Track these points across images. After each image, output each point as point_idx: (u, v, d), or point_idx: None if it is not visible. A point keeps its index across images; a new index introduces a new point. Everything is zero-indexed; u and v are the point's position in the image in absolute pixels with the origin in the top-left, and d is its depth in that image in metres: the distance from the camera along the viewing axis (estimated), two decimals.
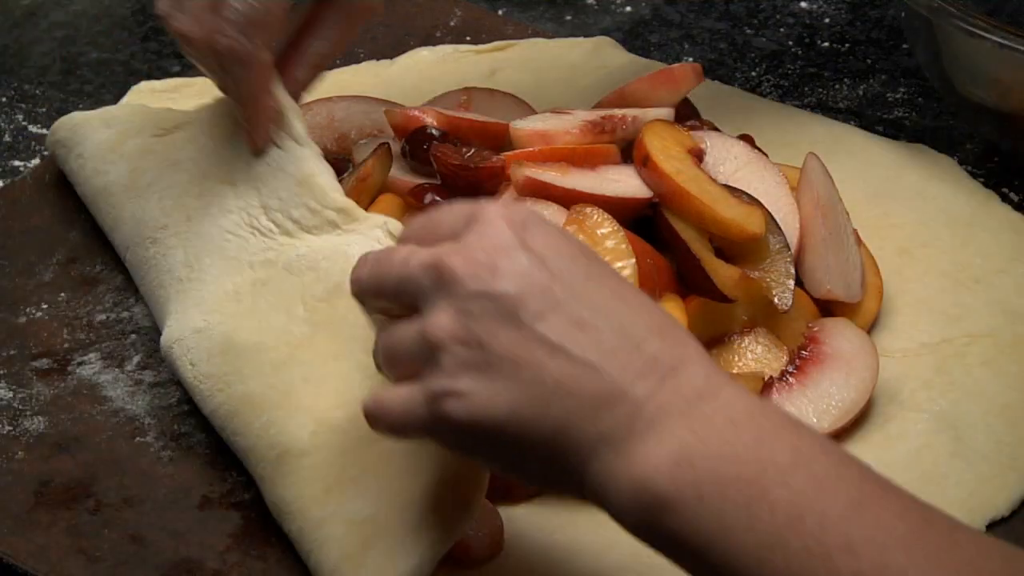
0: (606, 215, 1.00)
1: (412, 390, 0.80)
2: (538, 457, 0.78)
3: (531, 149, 1.08)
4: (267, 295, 1.00)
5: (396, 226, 0.98)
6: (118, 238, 1.10)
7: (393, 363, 0.82)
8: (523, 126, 1.10)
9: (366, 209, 1.04)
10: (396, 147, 1.12)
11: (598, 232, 1.00)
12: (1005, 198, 1.21)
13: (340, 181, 1.04)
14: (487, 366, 0.77)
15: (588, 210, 1.00)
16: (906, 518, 0.73)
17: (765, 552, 0.72)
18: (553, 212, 1.01)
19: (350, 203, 1.01)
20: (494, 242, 0.79)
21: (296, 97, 1.03)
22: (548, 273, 0.78)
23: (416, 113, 1.12)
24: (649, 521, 0.75)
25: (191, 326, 1.01)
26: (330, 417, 0.94)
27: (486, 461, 0.83)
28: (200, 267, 1.03)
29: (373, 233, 0.98)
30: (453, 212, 0.82)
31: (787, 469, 0.74)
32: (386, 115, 1.13)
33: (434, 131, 1.10)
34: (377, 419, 0.83)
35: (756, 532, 0.73)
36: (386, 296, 0.82)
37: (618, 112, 1.10)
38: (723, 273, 1.02)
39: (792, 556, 0.72)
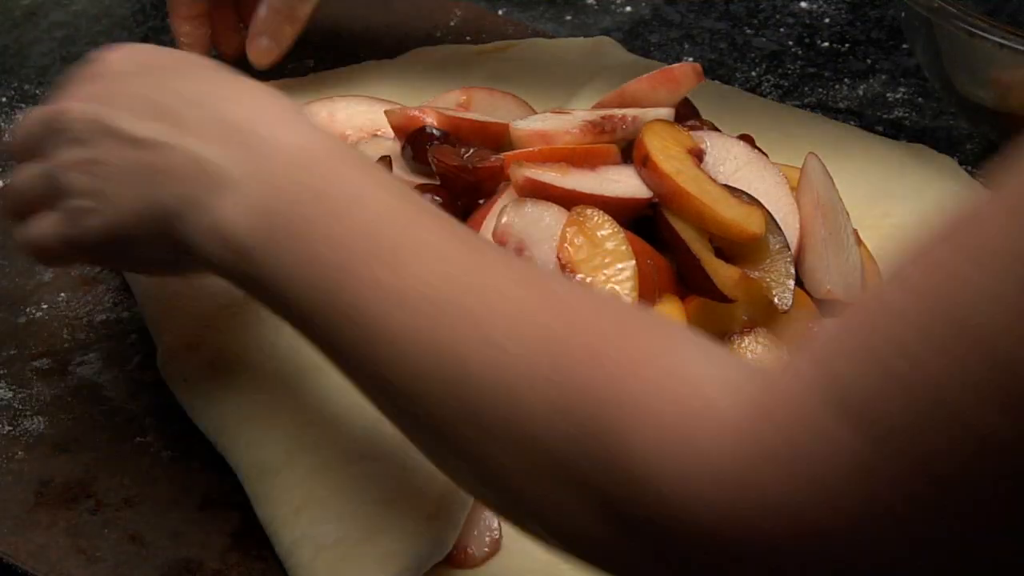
0: (606, 216, 1.00)
1: (49, 226, 0.89)
2: (158, 243, 0.85)
3: (531, 149, 1.08)
4: (258, 308, 1.00)
5: None
6: None
7: (20, 203, 0.92)
8: (523, 126, 1.10)
9: None
10: (396, 147, 1.12)
11: (598, 234, 1.00)
12: None
13: None
14: (104, 178, 0.85)
15: (589, 211, 1.00)
16: (444, 231, 0.77)
17: (322, 282, 0.77)
18: (554, 213, 1.01)
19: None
20: (101, 73, 0.89)
21: (267, 33, 1.18)
22: (147, 82, 0.87)
23: (416, 113, 1.12)
24: (234, 269, 0.81)
25: (185, 342, 1.01)
26: (303, 434, 0.94)
27: (127, 265, 0.94)
28: (199, 284, 1.03)
29: None
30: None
31: (348, 203, 0.78)
32: (386, 115, 1.13)
33: (435, 131, 1.10)
34: (34, 251, 0.93)
35: (315, 266, 0.77)
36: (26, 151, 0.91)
37: (618, 112, 1.10)
38: (723, 273, 1.02)
39: (343, 281, 0.76)
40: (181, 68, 0.89)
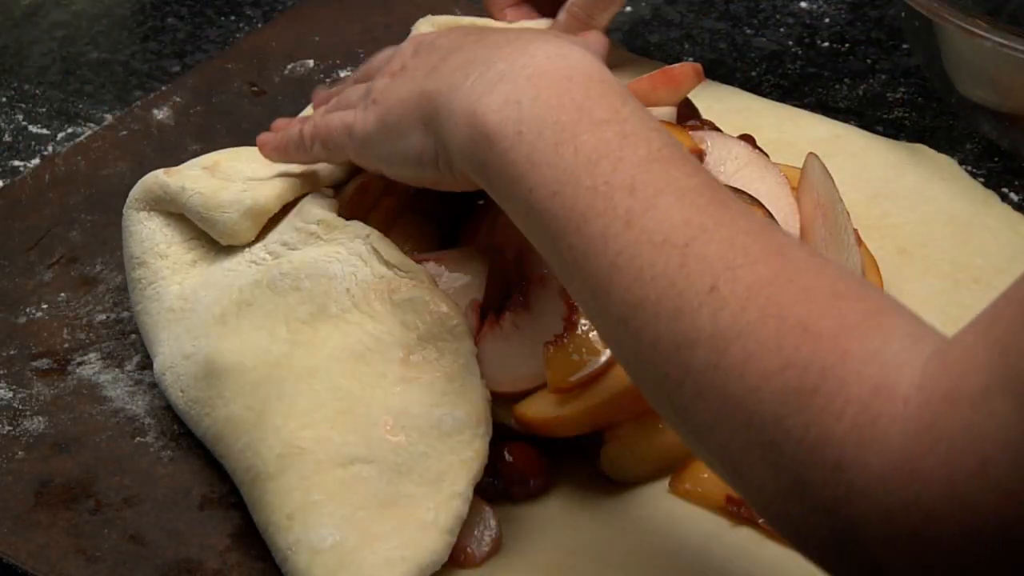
0: None
1: (346, 113, 0.98)
2: (417, 129, 0.91)
3: None
4: (251, 316, 1.00)
5: (378, 239, 0.98)
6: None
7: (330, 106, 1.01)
8: None
9: (367, 213, 1.05)
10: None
11: None
12: (1005, 198, 1.21)
13: (339, 191, 1.05)
14: (404, 71, 0.94)
15: None
16: (693, 177, 0.79)
17: (559, 186, 0.80)
18: None
19: (329, 214, 1.01)
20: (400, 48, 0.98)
21: None
22: (452, 37, 0.95)
23: None
24: (475, 153, 0.85)
25: (181, 353, 1.02)
26: (297, 438, 0.94)
27: (380, 160, 0.97)
28: (195, 298, 1.03)
29: (354, 244, 0.98)
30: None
31: (601, 122, 0.81)
32: None
33: None
34: (315, 133, 1.00)
35: (556, 168, 0.80)
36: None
37: None
38: None
39: (581, 191, 0.79)
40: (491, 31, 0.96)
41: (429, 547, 0.89)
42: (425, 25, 1.18)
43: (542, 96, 0.83)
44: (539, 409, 0.95)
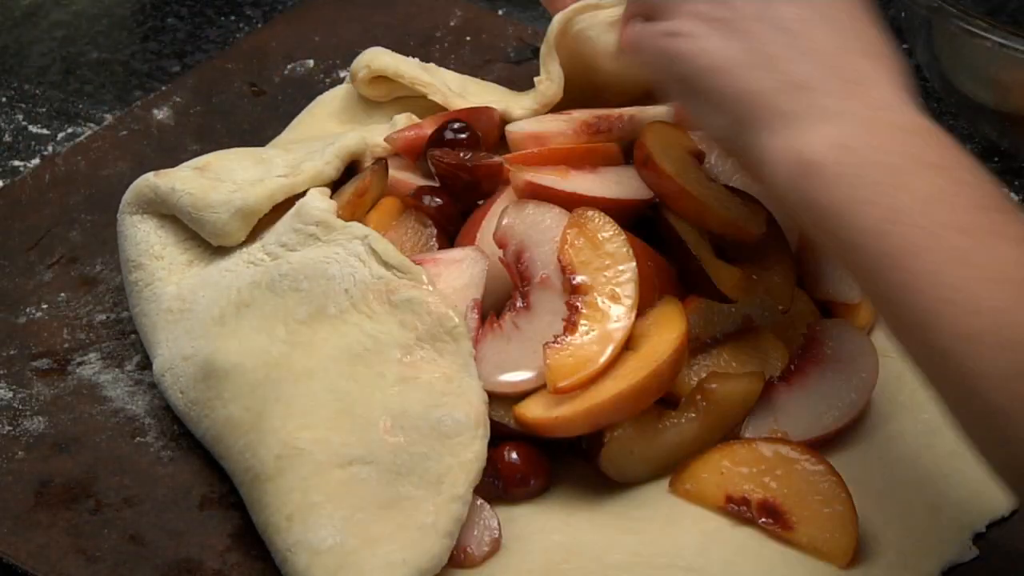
0: (607, 218, 1.00)
1: (658, 25, 0.95)
2: (727, 111, 0.90)
3: (531, 151, 1.07)
4: (250, 317, 1.00)
5: (377, 240, 0.98)
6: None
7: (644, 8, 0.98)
8: (518, 128, 1.10)
9: (366, 213, 1.05)
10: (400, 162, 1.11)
11: (600, 235, 1.00)
12: None
13: (338, 193, 1.05)
14: (721, 23, 0.91)
15: (590, 213, 1.00)
16: None
17: (889, 226, 0.81)
18: (555, 215, 1.01)
19: (328, 215, 1.01)
20: None
21: None
22: None
23: (411, 133, 1.11)
24: (797, 183, 0.85)
25: (180, 354, 1.02)
26: (296, 439, 0.94)
27: (686, 98, 0.94)
28: (193, 299, 1.03)
29: (353, 245, 0.99)
30: None
31: (931, 166, 0.83)
32: (388, 143, 1.11)
33: (455, 124, 1.09)
34: (626, 43, 0.99)
35: (887, 209, 0.81)
36: None
37: (614, 111, 1.10)
38: (724, 274, 1.02)
39: (913, 231, 0.80)
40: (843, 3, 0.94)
41: (429, 550, 0.89)
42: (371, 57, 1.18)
43: (875, 142, 0.84)
44: (538, 410, 0.95)
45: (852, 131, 0.85)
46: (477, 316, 0.98)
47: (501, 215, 1.01)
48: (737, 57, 0.90)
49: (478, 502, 0.93)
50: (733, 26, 0.91)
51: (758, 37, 0.90)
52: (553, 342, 0.96)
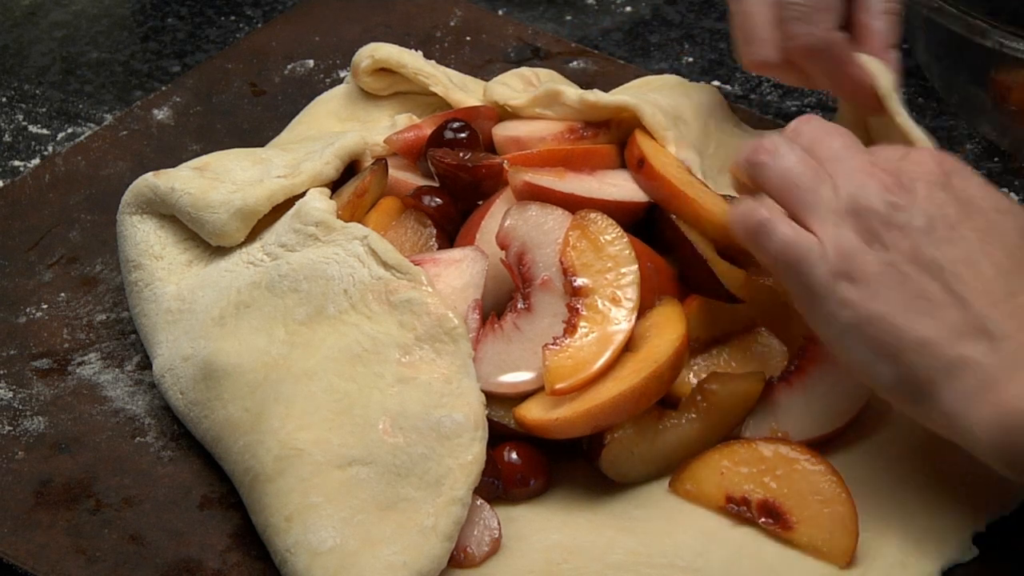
0: (610, 220, 1.00)
1: (818, 247, 0.89)
2: (893, 364, 0.86)
3: (530, 152, 1.07)
4: (250, 318, 1.00)
5: (376, 240, 0.98)
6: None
7: (794, 204, 0.91)
8: (503, 132, 1.10)
9: (366, 214, 1.05)
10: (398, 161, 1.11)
11: (602, 238, 1.00)
12: None
13: (337, 193, 1.05)
14: (880, 267, 0.87)
15: (592, 215, 1.00)
16: None
17: None
18: (557, 217, 1.01)
19: (327, 216, 1.01)
20: (921, 173, 0.89)
21: (884, 47, 1.06)
22: (958, 213, 0.88)
23: (411, 134, 1.11)
24: (1011, 449, 0.82)
25: (180, 355, 1.02)
26: (295, 439, 0.94)
27: (847, 350, 0.89)
28: (192, 299, 1.03)
29: (352, 246, 0.99)
30: (889, 148, 0.93)
31: None
32: (388, 144, 1.11)
33: (455, 124, 1.09)
34: (763, 236, 0.92)
35: None
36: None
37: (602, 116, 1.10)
38: (730, 274, 1.02)
39: None
40: (1001, 225, 0.89)
41: (429, 553, 0.89)
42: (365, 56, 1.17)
43: None
44: (538, 411, 0.95)
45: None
46: (478, 317, 0.98)
47: (504, 216, 1.01)
48: (895, 304, 0.87)
49: (478, 502, 0.93)
50: (889, 267, 0.88)
51: (915, 279, 0.87)
52: (552, 344, 0.96)
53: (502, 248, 1.01)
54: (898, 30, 1.07)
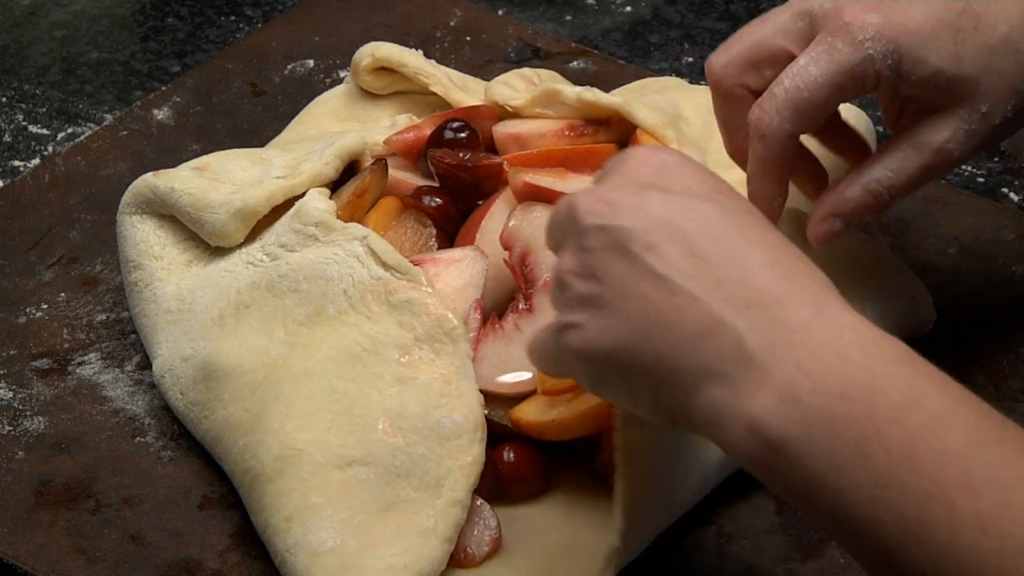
0: None
1: (548, 325, 0.83)
2: (647, 388, 0.78)
3: (530, 151, 1.07)
4: (249, 318, 1.00)
5: (376, 241, 0.98)
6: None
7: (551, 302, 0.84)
8: (503, 130, 1.10)
9: (365, 214, 1.05)
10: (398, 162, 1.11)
11: None
12: (1005, 198, 1.21)
13: (337, 193, 1.05)
14: (600, 299, 0.78)
15: None
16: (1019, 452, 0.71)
17: (878, 491, 0.71)
18: None
19: (327, 216, 1.01)
20: (626, 179, 0.81)
21: (843, 215, 0.96)
22: (670, 208, 0.78)
23: (411, 135, 1.11)
24: (761, 460, 0.74)
25: (180, 355, 1.02)
26: (294, 439, 0.94)
27: (604, 392, 0.82)
28: (192, 300, 1.03)
29: (352, 246, 0.99)
30: (612, 159, 0.84)
31: (901, 406, 0.72)
32: (388, 144, 1.11)
33: (455, 123, 1.09)
34: (529, 352, 0.86)
35: (869, 471, 0.71)
36: (554, 244, 0.84)
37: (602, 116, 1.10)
38: None
39: (907, 495, 0.71)
40: (712, 200, 0.80)
41: (429, 555, 0.89)
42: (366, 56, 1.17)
43: (820, 386, 0.73)
44: (534, 413, 0.95)
45: (793, 378, 0.74)
46: (479, 316, 0.98)
47: (509, 216, 1.01)
48: (625, 330, 0.78)
49: (478, 502, 0.93)
50: (608, 296, 0.78)
51: (635, 295, 0.77)
52: None
53: (505, 248, 1.01)
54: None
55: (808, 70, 0.91)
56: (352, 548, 0.90)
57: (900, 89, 0.92)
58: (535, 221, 1.01)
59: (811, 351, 0.74)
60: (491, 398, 0.96)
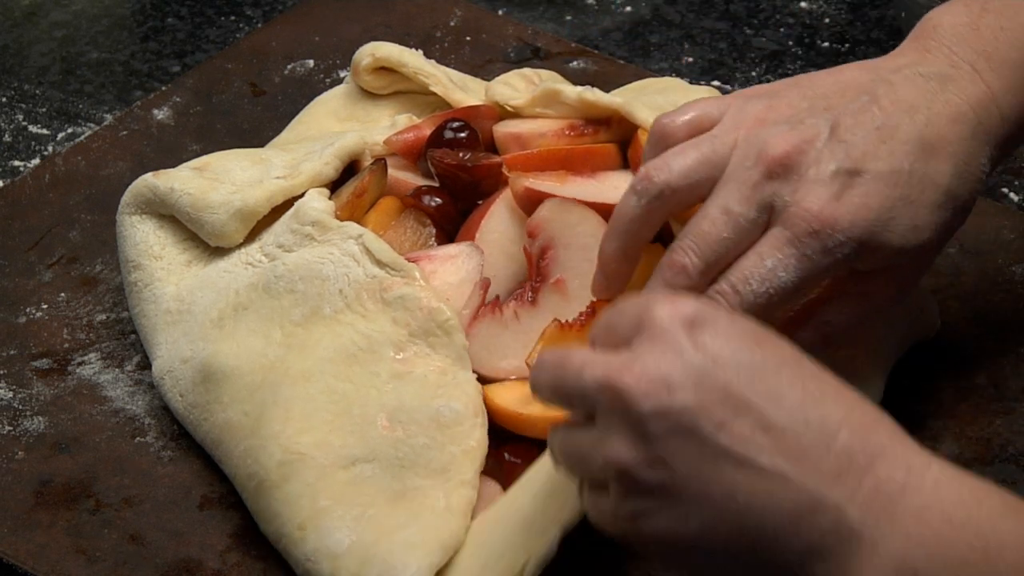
0: None
1: (606, 506, 0.77)
2: (743, 569, 0.75)
3: (529, 152, 1.07)
4: (247, 320, 1.00)
5: (371, 239, 0.98)
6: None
7: (574, 469, 0.80)
8: (504, 129, 1.10)
9: (365, 214, 1.05)
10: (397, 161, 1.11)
11: None
12: (1005, 198, 1.21)
13: (336, 193, 1.05)
14: (673, 487, 0.74)
15: None
16: None
17: None
18: (593, 224, 0.99)
19: (324, 215, 1.01)
20: (665, 349, 0.75)
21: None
22: (724, 374, 0.75)
23: (410, 135, 1.11)
24: None
25: (179, 356, 1.02)
26: (296, 443, 0.94)
27: (690, 573, 0.79)
28: (192, 300, 1.03)
29: (347, 245, 0.99)
30: (624, 315, 0.79)
31: (1018, 565, 0.71)
32: (388, 145, 1.11)
33: (455, 123, 1.09)
34: (593, 515, 0.80)
35: None
36: (564, 404, 0.80)
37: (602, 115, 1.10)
38: None
39: None
40: (756, 351, 0.76)
41: (447, 528, 0.89)
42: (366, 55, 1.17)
43: (936, 554, 0.72)
44: (510, 399, 0.95)
45: (905, 552, 0.72)
46: (482, 294, 0.98)
47: (542, 205, 1.01)
48: (711, 518, 0.74)
49: (489, 483, 0.93)
50: (682, 483, 0.74)
51: (716, 481, 0.74)
52: (566, 323, 0.96)
53: (530, 236, 1.00)
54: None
55: (779, 275, 0.87)
56: (369, 540, 0.89)
57: (857, 266, 0.90)
58: (565, 218, 1.00)
59: (917, 518, 0.73)
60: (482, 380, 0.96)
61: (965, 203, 0.91)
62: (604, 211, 1.01)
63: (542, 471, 0.90)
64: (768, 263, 0.87)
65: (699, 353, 0.75)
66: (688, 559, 0.76)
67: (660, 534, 0.75)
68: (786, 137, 0.88)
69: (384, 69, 1.17)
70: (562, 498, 0.88)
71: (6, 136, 1.29)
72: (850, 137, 0.88)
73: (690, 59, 1.36)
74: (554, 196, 1.02)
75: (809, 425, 0.74)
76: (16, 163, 1.26)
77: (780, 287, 0.87)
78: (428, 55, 1.18)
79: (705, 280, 0.88)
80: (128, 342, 1.08)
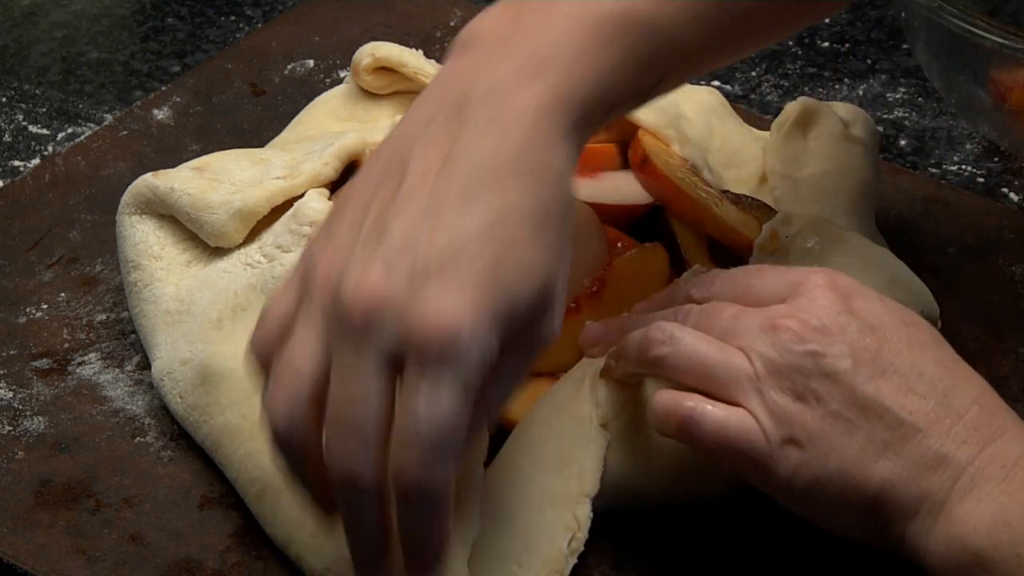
0: None
1: (751, 421, 0.84)
2: (861, 511, 0.82)
3: None
4: (246, 321, 0.99)
5: None
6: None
7: (711, 384, 0.85)
8: None
9: None
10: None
11: None
12: (1005, 198, 1.21)
13: (336, 194, 1.05)
14: (821, 421, 0.82)
15: None
16: None
17: None
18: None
19: (322, 215, 1.00)
20: (824, 306, 0.84)
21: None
22: (876, 340, 0.83)
23: None
24: (961, 572, 0.79)
25: (178, 358, 1.01)
26: None
27: (813, 509, 0.84)
28: (191, 300, 1.03)
29: None
30: (773, 278, 0.87)
31: None
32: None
33: None
34: (693, 426, 0.85)
35: None
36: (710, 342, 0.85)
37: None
38: None
39: None
40: (904, 329, 0.85)
41: (461, 515, 0.88)
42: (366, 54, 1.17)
43: None
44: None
45: (1004, 505, 0.79)
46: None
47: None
48: (850, 456, 0.82)
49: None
50: (830, 421, 0.82)
51: (862, 424, 0.82)
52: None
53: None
54: None
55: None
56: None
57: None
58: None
59: (1021, 483, 0.80)
60: None
61: None
62: (603, 211, 1.01)
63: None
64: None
65: (855, 317, 0.84)
66: (814, 499, 0.83)
67: (801, 467, 0.82)
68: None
69: (384, 69, 1.17)
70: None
71: (6, 136, 1.29)
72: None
73: None
74: None
75: (946, 396, 0.82)
76: (16, 163, 1.26)
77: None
78: (428, 55, 1.18)
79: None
80: (128, 342, 1.08)
